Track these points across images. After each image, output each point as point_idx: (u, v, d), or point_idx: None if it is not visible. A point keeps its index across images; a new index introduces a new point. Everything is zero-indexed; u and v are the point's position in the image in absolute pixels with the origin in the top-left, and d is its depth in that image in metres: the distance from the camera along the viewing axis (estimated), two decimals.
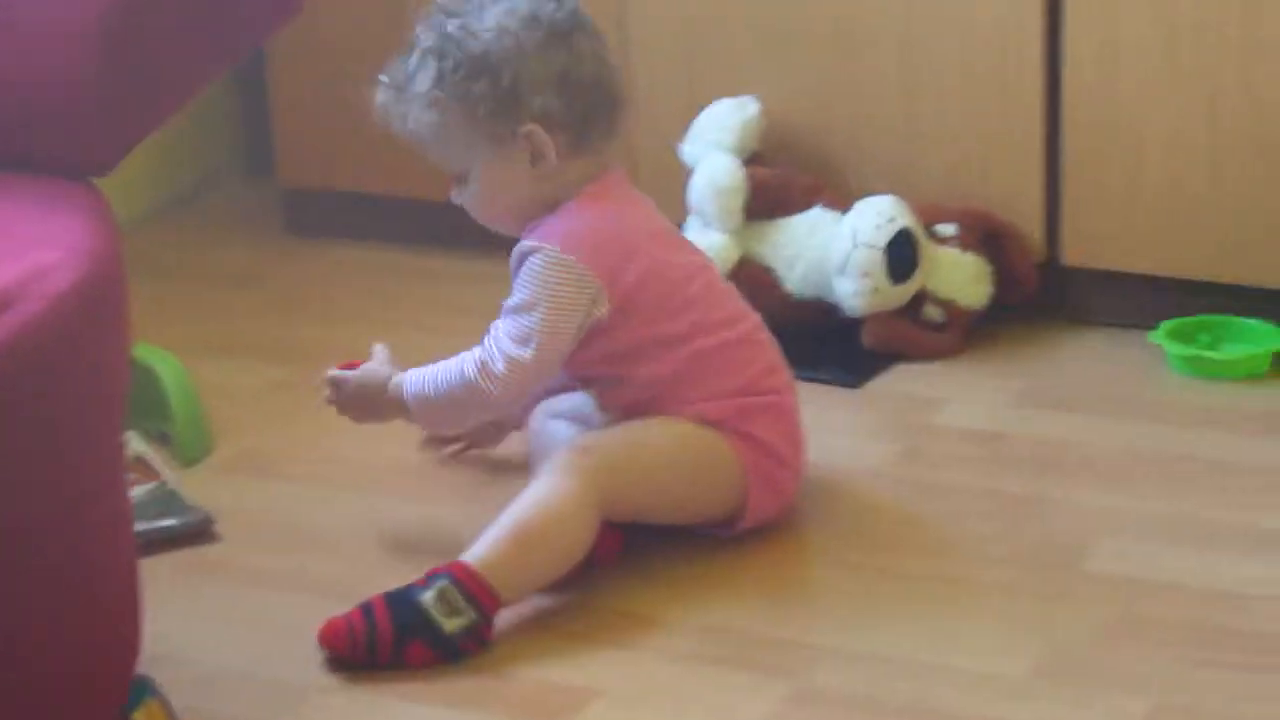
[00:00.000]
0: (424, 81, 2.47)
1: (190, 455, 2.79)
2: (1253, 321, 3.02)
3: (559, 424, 2.62)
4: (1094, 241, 3.09)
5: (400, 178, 3.49)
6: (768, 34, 3.19)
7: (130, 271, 1.98)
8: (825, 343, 3.02)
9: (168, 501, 2.62)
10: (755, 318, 2.58)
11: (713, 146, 3.12)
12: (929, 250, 3.05)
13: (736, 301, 2.59)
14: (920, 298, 3.06)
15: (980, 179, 3.12)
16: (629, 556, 2.47)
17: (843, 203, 3.10)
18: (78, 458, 1.90)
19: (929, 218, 3.08)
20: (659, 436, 2.48)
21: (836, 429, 2.80)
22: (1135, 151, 3.01)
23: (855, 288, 3.02)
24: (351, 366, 2.54)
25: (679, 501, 2.49)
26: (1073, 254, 3.11)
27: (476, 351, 2.44)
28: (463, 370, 2.43)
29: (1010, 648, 2.30)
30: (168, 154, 3.65)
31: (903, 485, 2.69)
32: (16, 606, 1.85)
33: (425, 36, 2.48)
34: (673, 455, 2.47)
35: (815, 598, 2.47)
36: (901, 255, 3.02)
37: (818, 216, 3.08)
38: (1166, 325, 3.02)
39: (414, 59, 2.48)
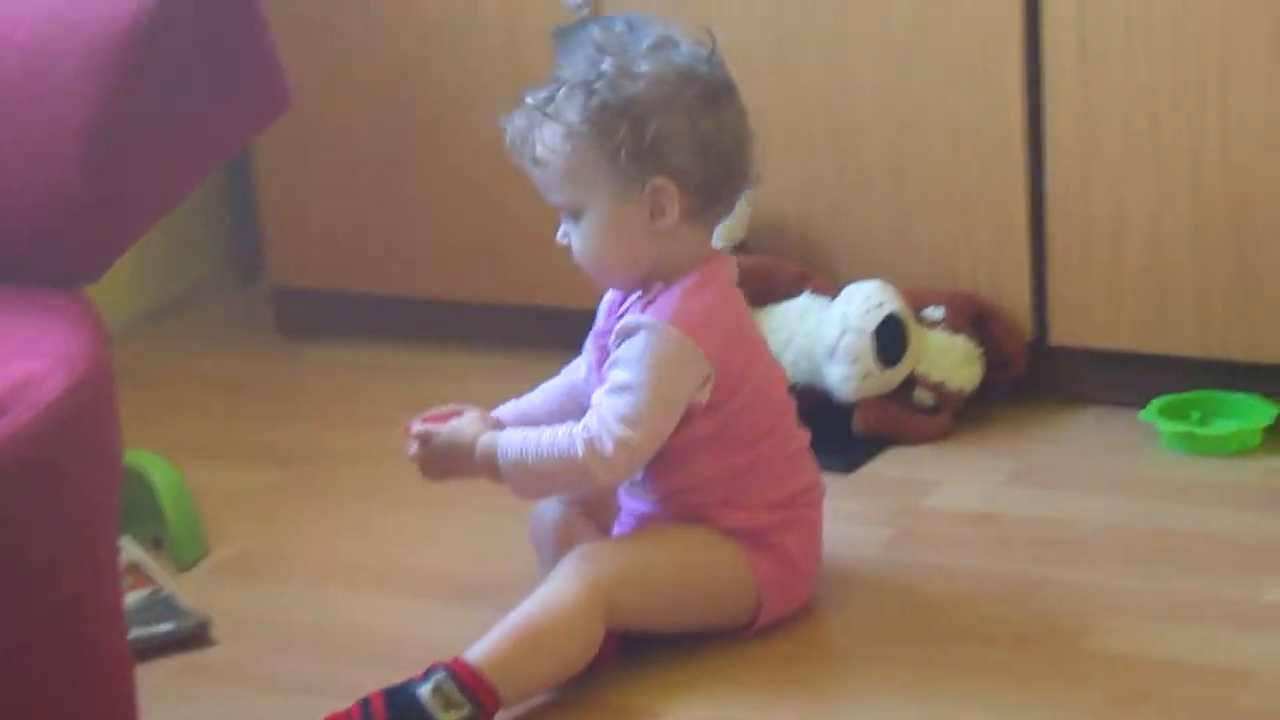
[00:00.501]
0: (569, 113, 2.41)
1: (185, 559, 2.78)
2: (1243, 396, 3.03)
3: (560, 507, 2.61)
4: (1082, 321, 3.09)
5: (389, 276, 3.50)
6: (753, 122, 3.19)
7: (121, 378, 1.97)
8: (817, 429, 2.99)
9: (163, 606, 2.61)
10: (806, 433, 2.59)
11: None
12: (918, 334, 3.06)
13: (794, 413, 2.59)
14: (911, 382, 3.06)
15: (967, 262, 3.13)
16: (628, 648, 2.45)
17: (831, 289, 3.11)
18: (71, 564, 1.89)
19: (917, 301, 3.09)
20: (672, 549, 2.47)
21: (831, 515, 2.76)
22: (1119, 231, 3.02)
23: (846, 373, 3.02)
24: (439, 419, 2.51)
25: (687, 615, 2.47)
26: (1061, 334, 3.11)
27: (582, 430, 2.40)
28: (570, 447, 2.39)
29: None
30: (157, 261, 3.66)
31: (899, 570, 2.68)
32: (9, 715, 1.83)
33: (576, 69, 2.43)
34: (685, 570, 2.45)
35: (814, 686, 2.45)
36: (891, 339, 3.02)
37: (806, 303, 3.09)
38: (1157, 402, 3.03)
39: (562, 90, 2.42)
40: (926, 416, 3.06)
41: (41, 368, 1.83)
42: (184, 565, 2.77)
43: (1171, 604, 2.54)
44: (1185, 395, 3.04)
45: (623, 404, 2.39)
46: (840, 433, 3.03)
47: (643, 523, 2.53)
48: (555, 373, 2.67)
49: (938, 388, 3.06)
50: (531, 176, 2.49)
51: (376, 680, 2.30)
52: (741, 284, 3.05)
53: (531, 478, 2.44)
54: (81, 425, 1.85)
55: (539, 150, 2.44)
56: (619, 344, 2.44)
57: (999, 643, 2.48)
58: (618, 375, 2.41)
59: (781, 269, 3.13)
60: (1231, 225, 2.96)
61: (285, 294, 3.61)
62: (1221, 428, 2.98)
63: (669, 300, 2.44)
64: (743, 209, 3.13)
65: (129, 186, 2.05)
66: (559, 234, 2.51)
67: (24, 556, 1.79)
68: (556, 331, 3.31)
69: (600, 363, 2.51)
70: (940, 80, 3.07)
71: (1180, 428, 2.98)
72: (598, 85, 2.39)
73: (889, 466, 2.98)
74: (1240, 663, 2.39)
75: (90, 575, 1.94)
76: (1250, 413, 3.00)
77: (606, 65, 2.41)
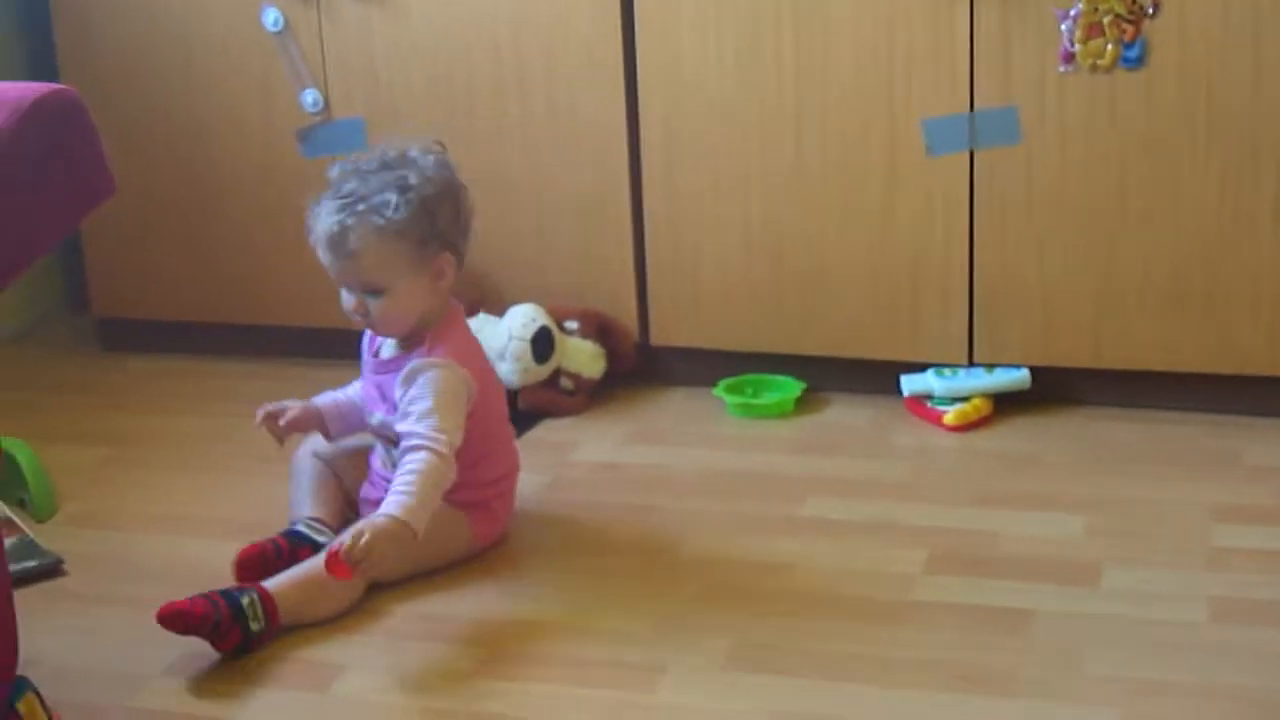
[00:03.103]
0: (387, 212, 2.30)
1: (42, 515, 2.71)
2: (779, 377, 3.09)
3: (315, 461, 2.55)
4: (672, 327, 3.13)
5: (188, 307, 3.43)
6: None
7: None
8: None
9: (28, 548, 2.54)
10: (513, 427, 2.58)
11: None
12: (561, 340, 3.08)
13: (508, 413, 2.57)
14: (557, 373, 3.08)
15: (593, 289, 3.15)
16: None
17: (499, 309, 3.12)
18: None
19: (559, 317, 3.11)
20: None
21: None
22: (696, 271, 3.06)
23: (511, 368, 3.03)
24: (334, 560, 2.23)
25: (425, 564, 2.41)
26: (658, 336, 3.15)
27: (427, 456, 2.29)
28: (436, 475, 2.30)
29: (634, 613, 2.32)
30: (9, 300, 3.53)
31: (552, 504, 2.69)
32: None
33: (370, 180, 2.32)
34: (423, 538, 2.35)
35: (500, 585, 2.44)
36: (542, 345, 3.04)
37: (482, 319, 3.09)
38: (724, 382, 3.08)
39: (375, 197, 2.31)
40: (569, 397, 3.08)
41: None
42: (42, 519, 2.70)
43: (739, 520, 2.59)
44: (742, 377, 3.09)
45: (435, 422, 2.33)
46: (509, 410, 3.04)
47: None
48: (307, 376, 2.62)
49: (576, 377, 3.09)
50: (336, 268, 2.35)
51: (187, 596, 2.25)
52: None
53: (429, 509, 2.30)
54: None
55: (354, 244, 2.32)
56: (412, 382, 2.36)
57: (623, 552, 2.51)
58: (422, 405, 2.35)
59: (464, 295, 3.12)
60: (769, 259, 3.02)
61: (108, 321, 3.52)
62: (767, 399, 3.04)
63: (440, 343, 2.39)
64: None
65: None
66: (351, 311, 2.38)
67: None
68: (307, 344, 3.31)
69: (379, 397, 2.44)
70: (567, 162, 3.11)
71: (739, 399, 3.03)
72: (408, 192, 2.32)
73: (545, 433, 2.99)
74: (788, 559, 2.46)
75: None
76: (785, 389, 3.06)
77: (414, 178, 2.34)
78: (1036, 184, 2.86)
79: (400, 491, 2.29)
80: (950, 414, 2.91)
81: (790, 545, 2.50)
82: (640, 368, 3.17)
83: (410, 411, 2.36)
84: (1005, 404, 2.96)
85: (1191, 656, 2.14)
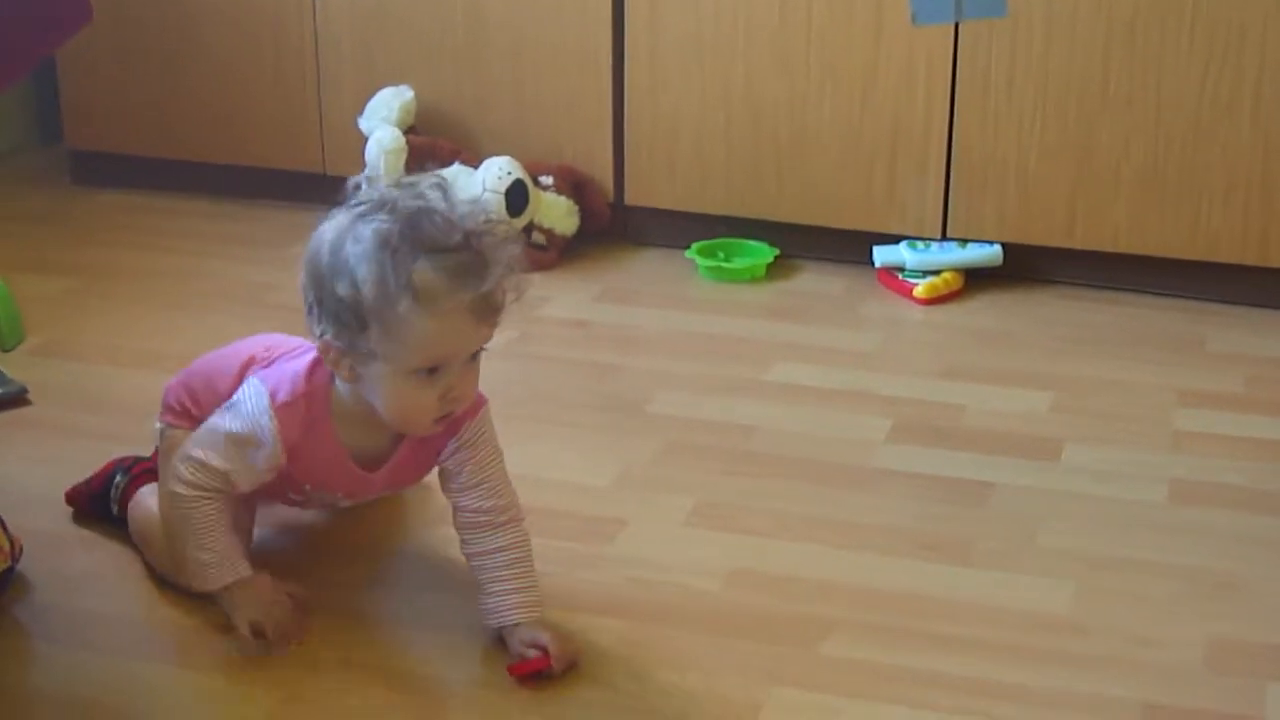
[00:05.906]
0: (517, 268, 1.80)
1: (8, 343, 2.64)
2: (753, 242, 3.06)
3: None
4: (647, 187, 3.10)
5: (161, 142, 3.37)
6: (420, 39, 3.14)
7: None
8: None
9: None
10: None
11: (381, 121, 3.07)
12: (535, 194, 3.04)
13: None
14: (530, 227, 3.04)
15: (569, 144, 3.11)
16: None
17: (474, 161, 3.07)
18: None
19: (534, 171, 3.06)
20: None
21: None
22: (675, 128, 3.03)
23: None
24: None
25: None
26: (633, 196, 3.12)
27: (522, 529, 1.92)
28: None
29: (598, 467, 2.30)
30: None
31: (521, 359, 2.67)
32: None
33: (456, 224, 1.76)
34: None
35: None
36: (516, 198, 3.00)
37: (457, 170, 3.05)
38: (696, 245, 3.05)
39: (494, 240, 1.77)
40: (541, 252, 3.05)
41: None
42: (7, 348, 2.63)
43: (706, 382, 2.58)
44: (715, 240, 3.07)
45: (509, 486, 1.94)
46: None
47: None
48: (277, 217, 2.55)
49: (548, 233, 3.05)
50: (468, 337, 1.81)
51: (145, 430, 2.17)
52: (411, 156, 3.04)
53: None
54: None
55: (500, 301, 1.80)
56: (476, 448, 1.96)
57: (588, 408, 2.50)
58: (495, 469, 1.94)
59: (440, 146, 3.09)
60: (749, 124, 2.98)
61: (79, 154, 3.46)
62: (739, 264, 3.02)
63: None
64: (411, 103, 3.09)
65: None
66: (446, 401, 1.85)
67: None
68: (279, 186, 3.26)
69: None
70: (549, 14, 3.05)
71: (711, 263, 3.01)
72: (497, 227, 1.79)
73: None
74: (751, 421, 2.44)
75: None
76: (758, 254, 3.04)
77: (475, 215, 1.78)
78: (1020, 59, 2.81)
79: (526, 586, 1.90)
80: (921, 287, 2.88)
81: (755, 409, 2.48)
82: (613, 227, 3.14)
83: (483, 480, 1.95)
84: (976, 279, 2.94)
85: (1148, 534, 2.13)
